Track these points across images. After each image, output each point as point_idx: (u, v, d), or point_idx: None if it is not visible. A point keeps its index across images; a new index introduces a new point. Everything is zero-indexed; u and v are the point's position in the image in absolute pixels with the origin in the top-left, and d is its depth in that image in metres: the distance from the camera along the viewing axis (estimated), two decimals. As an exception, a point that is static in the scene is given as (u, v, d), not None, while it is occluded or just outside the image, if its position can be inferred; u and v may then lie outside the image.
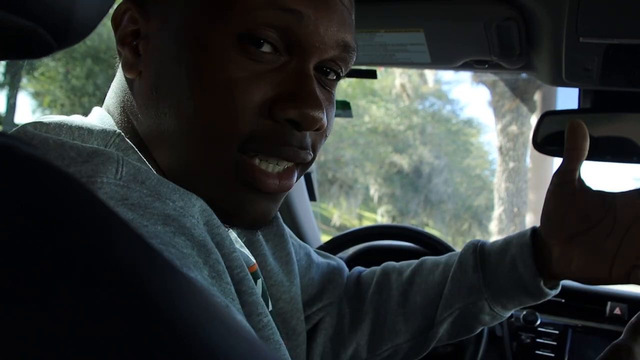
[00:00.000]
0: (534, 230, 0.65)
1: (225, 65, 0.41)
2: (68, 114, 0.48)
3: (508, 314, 0.68)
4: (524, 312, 1.19)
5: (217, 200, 0.45)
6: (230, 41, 0.41)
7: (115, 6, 0.52)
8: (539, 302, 0.64)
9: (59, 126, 0.43)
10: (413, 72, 9.65)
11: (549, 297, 0.63)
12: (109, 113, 0.50)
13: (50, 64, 6.03)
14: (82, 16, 0.27)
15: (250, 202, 0.46)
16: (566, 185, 0.61)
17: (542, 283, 0.62)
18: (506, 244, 0.66)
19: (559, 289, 0.65)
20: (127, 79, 0.47)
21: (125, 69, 0.45)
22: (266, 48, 0.43)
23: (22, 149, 0.20)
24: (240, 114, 0.42)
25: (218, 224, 0.42)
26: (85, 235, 0.19)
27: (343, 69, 0.49)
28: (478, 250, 0.68)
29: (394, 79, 9.94)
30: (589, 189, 0.61)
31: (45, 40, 0.26)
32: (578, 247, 0.60)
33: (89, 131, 0.43)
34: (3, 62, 4.74)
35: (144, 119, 0.46)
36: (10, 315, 0.16)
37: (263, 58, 0.43)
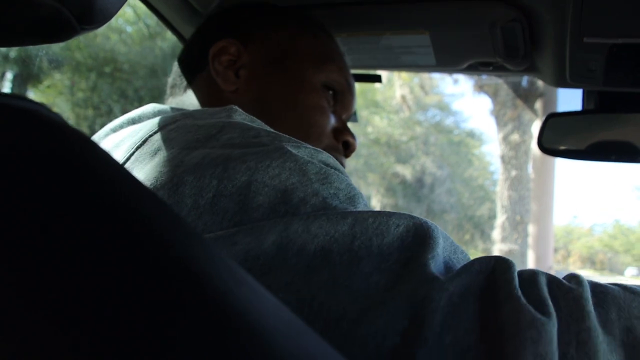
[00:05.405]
0: None
1: (315, 98, 0.65)
2: (74, 125, 0.49)
3: None
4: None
5: None
6: (319, 85, 0.66)
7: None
8: None
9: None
10: (414, 84, 9.69)
11: None
12: None
13: (55, 77, 6.07)
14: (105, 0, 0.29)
15: None
16: None
17: None
18: None
19: None
20: (215, 93, 0.64)
21: (226, 85, 0.63)
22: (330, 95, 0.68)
23: (46, 113, 0.22)
24: (322, 131, 0.65)
25: None
26: (107, 190, 0.20)
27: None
28: None
29: (395, 90, 9.97)
30: None
31: (69, 23, 0.27)
32: None
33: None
34: (9, 76, 4.77)
35: None
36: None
37: (329, 101, 0.67)
